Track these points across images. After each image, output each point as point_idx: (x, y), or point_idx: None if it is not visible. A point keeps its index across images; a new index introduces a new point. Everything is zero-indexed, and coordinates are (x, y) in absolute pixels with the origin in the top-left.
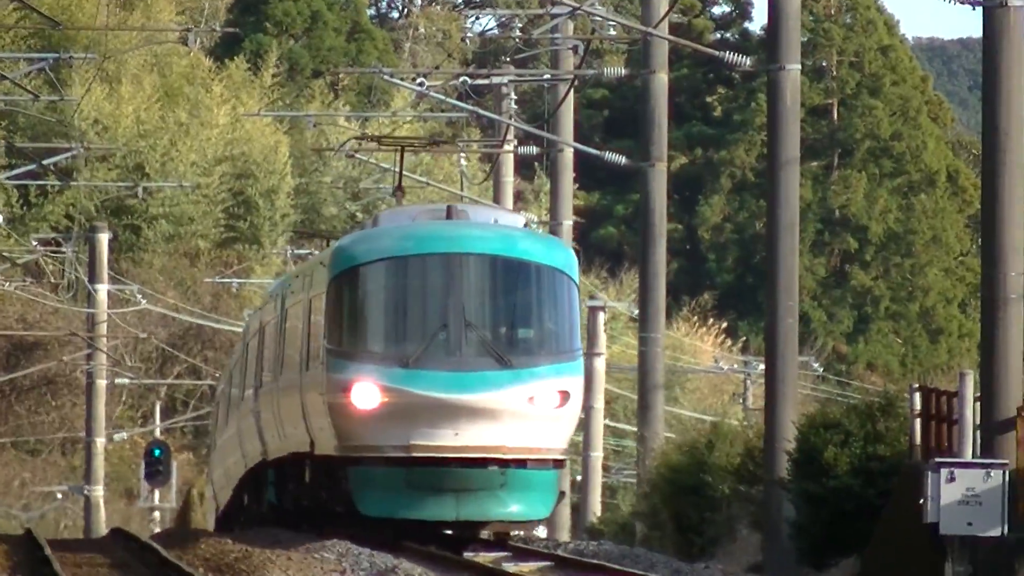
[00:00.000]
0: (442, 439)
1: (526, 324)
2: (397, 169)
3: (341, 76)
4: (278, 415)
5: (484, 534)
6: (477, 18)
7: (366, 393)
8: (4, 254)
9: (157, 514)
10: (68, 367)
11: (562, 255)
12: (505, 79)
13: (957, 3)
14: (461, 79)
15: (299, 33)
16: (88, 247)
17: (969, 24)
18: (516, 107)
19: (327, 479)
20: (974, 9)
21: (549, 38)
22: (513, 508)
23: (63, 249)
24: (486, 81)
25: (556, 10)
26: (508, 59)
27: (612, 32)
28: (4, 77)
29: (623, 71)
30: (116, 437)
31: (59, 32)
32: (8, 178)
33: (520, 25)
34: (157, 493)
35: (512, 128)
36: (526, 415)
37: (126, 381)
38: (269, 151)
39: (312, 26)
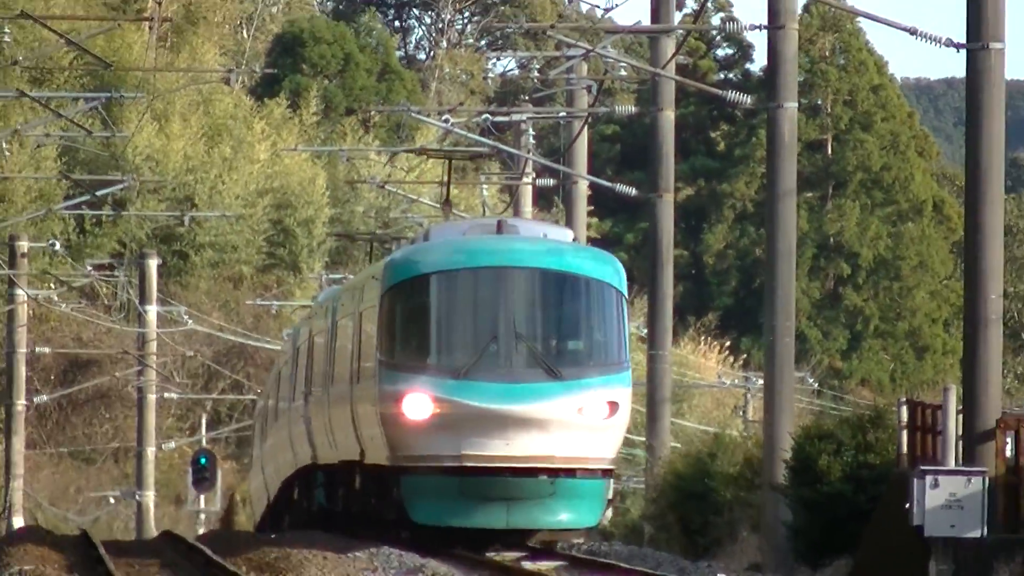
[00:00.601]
0: (493, 449)
1: (575, 336)
2: (444, 182)
3: (372, 114)
4: (328, 423)
5: (532, 541)
6: (498, 59)
7: (419, 404)
8: (61, 278)
9: (203, 517)
10: (120, 382)
11: (610, 268)
12: (524, 116)
13: (943, 46)
14: (483, 116)
15: (333, 74)
16: (139, 272)
17: (954, 65)
18: (534, 142)
19: (378, 487)
20: (958, 51)
21: (565, 78)
22: (562, 516)
23: (116, 273)
24: (506, 118)
25: (571, 52)
26: (527, 97)
27: (623, 73)
28: (60, 115)
29: (633, 109)
30: (165, 447)
31: (111, 73)
32: (66, 208)
33: (538, 66)
34: (203, 498)
35: (530, 162)
36: (575, 425)
37: (174, 395)
38: (307, 183)
39: (345, 67)
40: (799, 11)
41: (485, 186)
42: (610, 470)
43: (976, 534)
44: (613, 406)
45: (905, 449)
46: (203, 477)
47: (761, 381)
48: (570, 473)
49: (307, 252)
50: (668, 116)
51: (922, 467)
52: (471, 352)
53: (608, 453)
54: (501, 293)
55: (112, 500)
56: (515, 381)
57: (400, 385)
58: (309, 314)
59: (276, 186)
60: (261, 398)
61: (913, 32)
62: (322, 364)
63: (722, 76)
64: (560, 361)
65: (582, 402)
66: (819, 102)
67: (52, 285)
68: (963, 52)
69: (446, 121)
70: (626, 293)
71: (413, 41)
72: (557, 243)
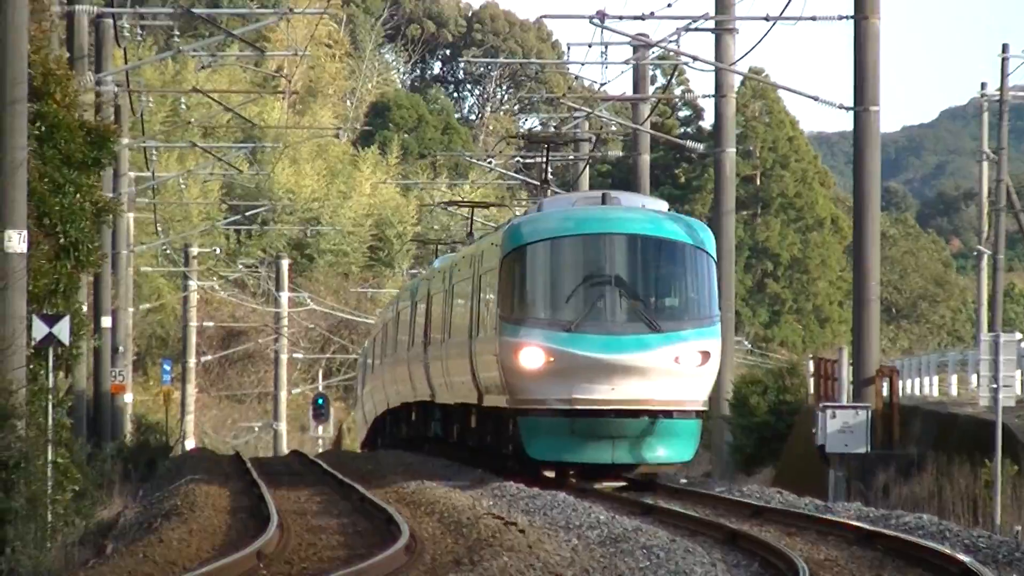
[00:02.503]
0: (600, 393)
1: (672, 294)
2: (470, 220)
3: (438, 158)
4: (446, 369)
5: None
6: (527, 119)
7: (535, 354)
8: (221, 273)
9: (320, 441)
10: (262, 347)
11: (702, 235)
12: (543, 158)
13: (837, 108)
14: (515, 159)
15: (410, 130)
16: (275, 269)
17: (845, 121)
18: (552, 176)
19: (495, 426)
20: (847, 112)
21: (573, 131)
22: (660, 452)
23: (259, 270)
24: (532, 160)
25: (577, 114)
26: (546, 145)
27: (613, 128)
28: (221, 159)
29: (620, 153)
30: (294, 391)
31: (256, 129)
32: (225, 224)
33: (555, 124)
34: (320, 428)
35: (549, 191)
36: (672, 372)
37: (299, 356)
38: (399, 208)
39: (418, 125)
40: (737, 85)
41: (518, 208)
42: (702, 412)
43: (862, 450)
44: (705, 355)
45: (812, 391)
46: (320, 413)
47: None
48: (668, 414)
49: (399, 256)
50: (645, 159)
51: (824, 403)
52: (580, 308)
53: (701, 397)
54: (607, 256)
55: (256, 429)
56: (619, 334)
57: (518, 338)
58: (425, 277)
59: (375, 211)
60: (362, 355)
61: (816, 99)
62: (441, 319)
63: (683, 130)
64: (658, 316)
65: (678, 352)
66: (751, 148)
67: (215, 279)
68: (851, 113)
69: (489, 162)
70: (715, 256)
71: (467, 107)
72: (655, 212)
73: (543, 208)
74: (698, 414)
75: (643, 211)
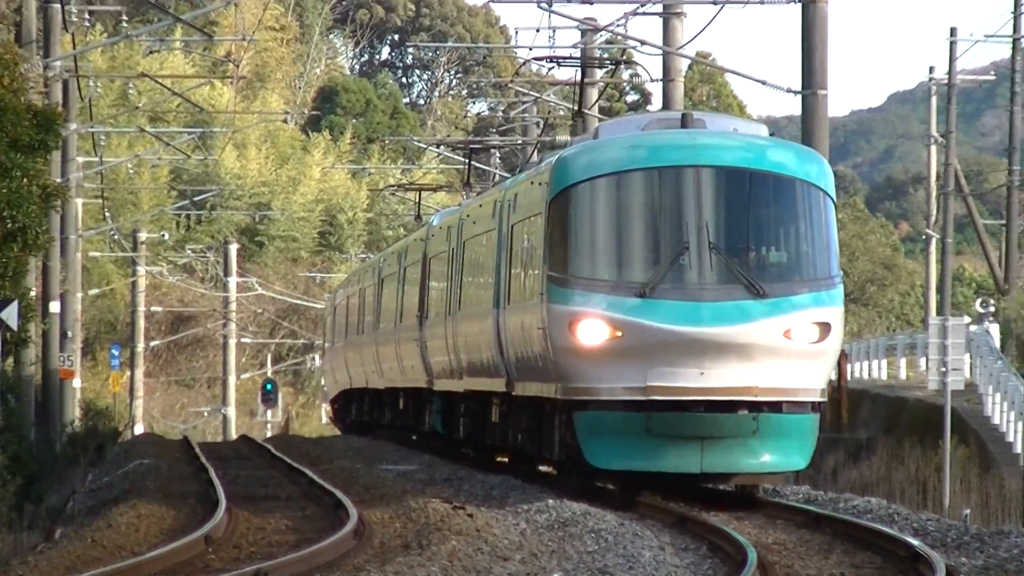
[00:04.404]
0: (685, 379)
1: (779, 247)
2: (417, 204)
3: (387, 142)
4: (453, 346)
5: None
6: (475, 103)
7: (595, 328)
8: (169, 259)
9: (269, 426)
10: (210, 331)
11: (817, 167)
12: (493, 142)
13: (785, 91)
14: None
15: (358, 114)
16: (223, 254)
17: (793, 105)
18: (500, 162)
19: (533, 422)
20: (796, 96)
21: (521, 116)
22: (765, 458)
23: (207, 255)
24: (480, 145)
25: (526, 99)
26: (495, 130)
27: (561, 112)
28: (170, 144)
29: (568, 138)
30: (243, 376)
31: (205, 114)
32: (174, 210)
33: (503, 108)
34: (269, 412)
35: (497, 175)
36: (781, 351)
37: (248, 340)
38: (350, 191)
39: (366, 109)
40: (685, 69)
41: (464, 194)
42: (820, 403)
43: None
44: (824, 328)
45: None
46: (269, 398)
47: None
48: (775, 407)
49: (350, 240)
50: None
51: None
52: (656, 266)
53: (818, 384)
54: (690, 196)
55: (205, 414)
56: (710, 300)
57: (573, 306)
58: (418, 237)
59: (325, 196)
60: (328, 329)
61: (764, 83)
62: (445, 286)
63: (631, 114)
64: (763, 276)
65: (789, 324)
66: None
67: (163, 264)
68: (799, 97)
69: (438, 147)
70: (834, 197)
71: (415, 92)
72: (754, 137)
73: (600, 135)
74: (814, 407)
75: (739, 136)
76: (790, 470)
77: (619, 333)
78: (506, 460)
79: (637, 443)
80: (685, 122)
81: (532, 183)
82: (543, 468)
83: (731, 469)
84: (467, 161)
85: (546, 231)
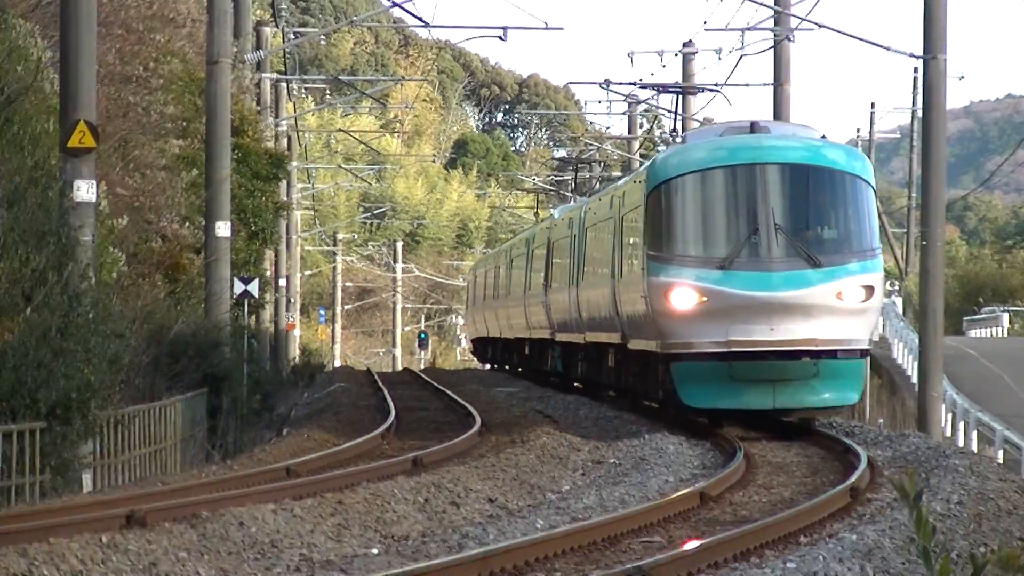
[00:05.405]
0: (759, 334)
1: (831, 226)
2: (535, 207)
3: (500, 176)
4: (576, 308)
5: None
6: (557, 150)
7: (686, 295)
8: (357, 252)
9: (422, 361)
10: (384, 299)
11: (861, 163)
12: (569, 177)
13: (908, 56)
14: (550, 177)
15: (481, 157)
16: (393, 249)
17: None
18: (572, 191)
19: (641, 370)
20: (917, 60)
21: (588, 159)
22: (825, 395)
23: (383, 249)
24: (561, 178)
25: (590, 147)
26: (570, 167)
27: (615, 157)
28: (357, 175)
29: (620, 174)
30: (405, 328)
31: (381, 156)
32: (361, 219)
33: (576, 153)
34: (422, 352)
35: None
36: (835, 310)
37: (408, 305)
38: (476, 208)
39: (486, 154)
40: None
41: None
42: (867, 351)
43: None
44: (869, 290)
45: None
46: (422, 343)
47: None
48: (831, 355)
49: (476, 240)
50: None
51: None
52: (733, 244)
53: (865, 335)
54: (760, 187)
55: (380, 353)
56: (777, 270)
57: (668, 277)
58: (544, 227)
59: (462, 213)
60: (468, 295)
61: (888, 48)
62: (567, 263)
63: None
64: (818, 249)
65: (841, 287)
66: None
67: (353, 255)
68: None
69: (533, 179)
70: (874, 186)
71: (519, 143)
72: (810, 139)
73: (688, 141)
74: (863, 353)
75: (797, 138)
76: (845, 404)
77: (705, 299)
78: (613, 395)
79: (722, 386)
80: (754, 128)
81: (635, 182)
82: (646, 403)
83: (798, 405)
84: (574, 171)
85: (645, 218)
